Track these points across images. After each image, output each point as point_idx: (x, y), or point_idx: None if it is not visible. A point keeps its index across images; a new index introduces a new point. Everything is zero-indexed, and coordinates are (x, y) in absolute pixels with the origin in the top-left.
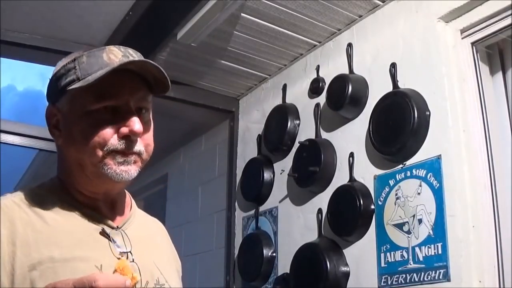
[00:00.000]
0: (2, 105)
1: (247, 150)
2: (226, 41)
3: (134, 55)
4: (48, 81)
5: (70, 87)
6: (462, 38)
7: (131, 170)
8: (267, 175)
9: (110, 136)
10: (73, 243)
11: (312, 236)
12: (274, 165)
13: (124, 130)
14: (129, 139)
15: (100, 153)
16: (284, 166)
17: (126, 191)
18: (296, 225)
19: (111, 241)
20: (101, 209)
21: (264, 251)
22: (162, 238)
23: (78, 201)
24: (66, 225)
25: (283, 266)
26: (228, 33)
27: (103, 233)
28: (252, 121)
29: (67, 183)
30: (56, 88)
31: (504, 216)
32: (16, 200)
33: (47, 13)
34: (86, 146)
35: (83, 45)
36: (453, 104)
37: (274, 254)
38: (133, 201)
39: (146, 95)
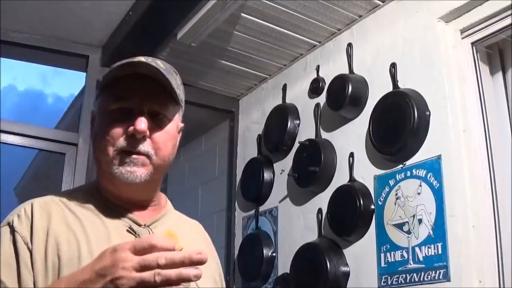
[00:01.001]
0: (3, 105)
1: (247, 150)
2: (226, 41)
3: (161, 65)
4: None
5: (98, 89)
6: (462, 38)
7: (137, 172)
8: (267, 175)
9: (119, 135)
10: (100, 238)
11: (312, 236)
12: (274, 165)
13: (130, 129)
14: (134, 137)
15: (111, 152)
16: (284, 166)
17: (164, 195)
18: (296, 225)
19: (136, 237)
20: (131, 208)
21: (264, 251)
22: (198, 239)
23: (110, 201)
24: (96, 222)
25: (283, 266)
26: (228, 33)
27: (130, 230)
28: (252, 121)
29: (99, 184)
30: (97, 95)
31: (504, 216)
32: (54, 198)
33: (47, 13)
34: (101, 145)
35: (83, 45)
36: (453, 104)
37: (274, 254)
38: (169, 203)
39: (165, 102)
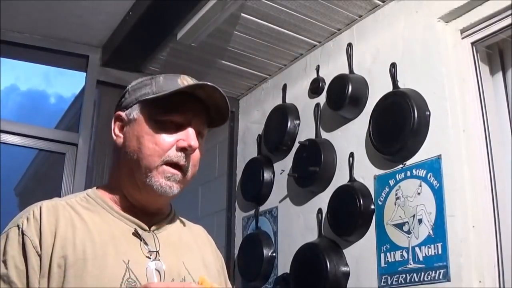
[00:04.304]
0: (5, 105)
1: (247, 150)
2: (226, 41)
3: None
4: (124, 91)
5: (145, 98)
6: (462, 38)
7: (173, 187)
8: (267, 175)
9: (168, 147)
10: (106, 240)
11: (312, 236)
12: (274, 165)
13: (183, 143)
14: (186, 152)
15: (157, 161)
16: (284, 166)
17: (170, 204)
18: (296, 225)
19: (141, 240)
20: (137, 213)
21: (264, 251)
22: (201, 243)
23: (119, 206)
24: (102, 225)
25: (283, 266)
26: (228, 33)
27: (135, 234)
28: (252, 121)
29: (113, 188)
30: (130, 98)
31: (504, 216)
32: (62, 202)
33: (47, 13)
34: (146, 153)
35: (83, 45)
36: (453, 104)
37: (274, 254)
38: (173, 211)
39: (205, 124)
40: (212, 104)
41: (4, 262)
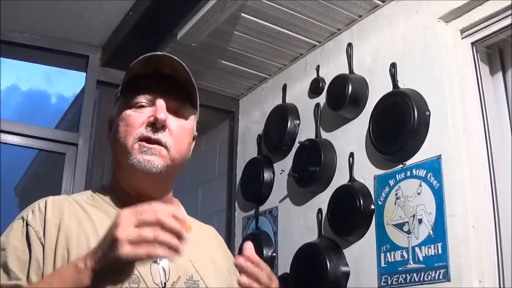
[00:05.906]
0: (6, 105)
1: (247, 150)
2: (226, 41)
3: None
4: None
5: (118, 91)
6: (462, 38)
7: (154, 161)
8: (267, 175)
9: (139, 125)
10: None
11: (312, 236)
12: (274, 165)
13: (150, 118)
14: (155, 126)
15: (130, 141)
16: (284, 166)
17: (177, 200)
18: (296, 225)
19: None
20: None
21: (264, 251)
22: (210, 243)
23: (123, 202)
24: (105, 219)
25: (283, 266)
26: (228, 33)
27: None
28: (252, 121)
29: (115, 185)
30: (115, 101)
31: (504, 216)
32: (68, 198)
33: (47, 13)
34: (121, 136)
35: (83, 45)
36: (453, 104)
37: (274, 254)
38: (182, 209)
39: (182, 101)
40: (181, 77)
41: (4, 251)
